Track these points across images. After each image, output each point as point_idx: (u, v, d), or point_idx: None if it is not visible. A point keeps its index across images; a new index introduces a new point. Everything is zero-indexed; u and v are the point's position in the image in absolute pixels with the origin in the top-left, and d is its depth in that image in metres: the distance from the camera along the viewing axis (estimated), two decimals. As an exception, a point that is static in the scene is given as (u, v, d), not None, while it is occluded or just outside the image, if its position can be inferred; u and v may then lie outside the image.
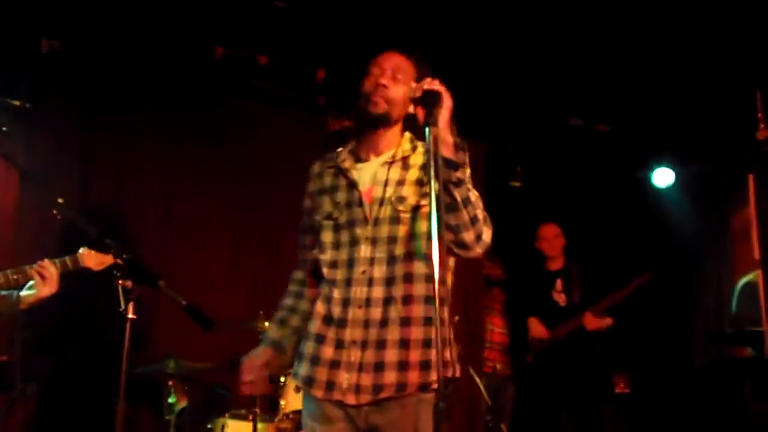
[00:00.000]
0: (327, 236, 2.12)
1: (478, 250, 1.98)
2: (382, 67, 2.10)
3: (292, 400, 3.63)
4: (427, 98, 1.84)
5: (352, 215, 2.08)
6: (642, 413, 5.45)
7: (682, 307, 5.73)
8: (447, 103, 1.85)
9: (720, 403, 4.46)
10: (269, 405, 3.81)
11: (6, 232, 4.05)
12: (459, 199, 1.89)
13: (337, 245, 2.09)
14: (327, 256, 2.10)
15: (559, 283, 4.70)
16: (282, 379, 3.78)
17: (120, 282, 1.48)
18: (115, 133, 4.49)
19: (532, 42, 4.42)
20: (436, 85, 1.86)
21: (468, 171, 1.97)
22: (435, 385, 1.87)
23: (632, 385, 5.11)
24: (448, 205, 1.89)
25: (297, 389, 3.46)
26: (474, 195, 1.96)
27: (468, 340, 5.20)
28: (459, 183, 1.89)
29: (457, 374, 2.05)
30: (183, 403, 3.76)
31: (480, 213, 1.96)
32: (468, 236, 1.93)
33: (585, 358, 4.52)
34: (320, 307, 2.10)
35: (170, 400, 3.64)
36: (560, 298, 4.67)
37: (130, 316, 1.50)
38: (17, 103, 3.93)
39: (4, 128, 1.71)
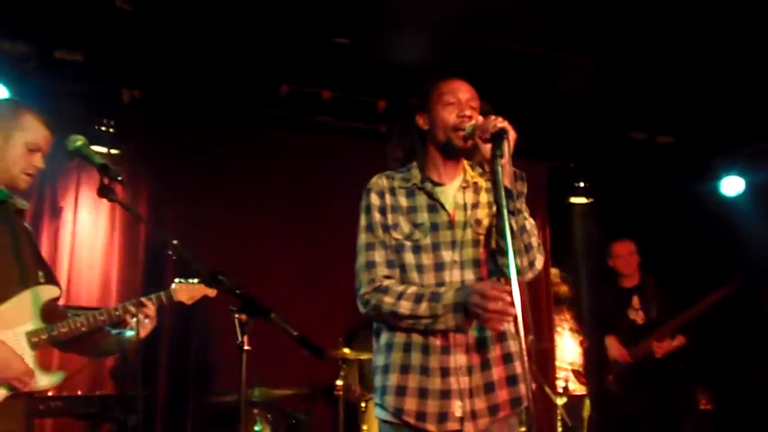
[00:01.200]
0: (409, 258, 2.07)
1: (530, 275, 2.06)
2: (459, 98, 2.13)
3: (375, 427, 3.69)
4: (496, 134, 1.95)
5: (438, 238, 2.08)
6: (726, 429, 5.28)
7: (760, 318, 5.56)
8: (512, 135, 1.95)
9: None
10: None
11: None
12: (515, 226, 1.97)
13: (420, 268, 2.06)
14: (413, 279, 2.05)
15: (636, 301, 4.57)
16: (363, 404, 3.85)
17: (236, 315, 1.58)
18: (187, 174, 4.72)
19: (590, 59, 4.44)
20: (502, 122, 1.96)
21: (523, 200, 2.05)
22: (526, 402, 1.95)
23: (715, 401, 4.95)
24: (502, 232, 1.92)
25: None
26: (530, 223, 2.04)
27: (541, 360, 5.17)
28: (515, 212, 1.98)
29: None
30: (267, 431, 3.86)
31: (534, 240, 2.04)
32: (521, 262, 2.01)
33: (667, 376, 4.40)
34: (415, 336, 2.03)
35: (256, 428, 3.73)
36: (638, 317, 4.53)
37: (246, 347, 1.61)
38: (104, 150, 4.16)
39: (119, 178, 1.85)
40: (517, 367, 2.05)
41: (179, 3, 3.79)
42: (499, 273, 2.10)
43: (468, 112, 2.10)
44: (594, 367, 5.03)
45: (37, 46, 4.00)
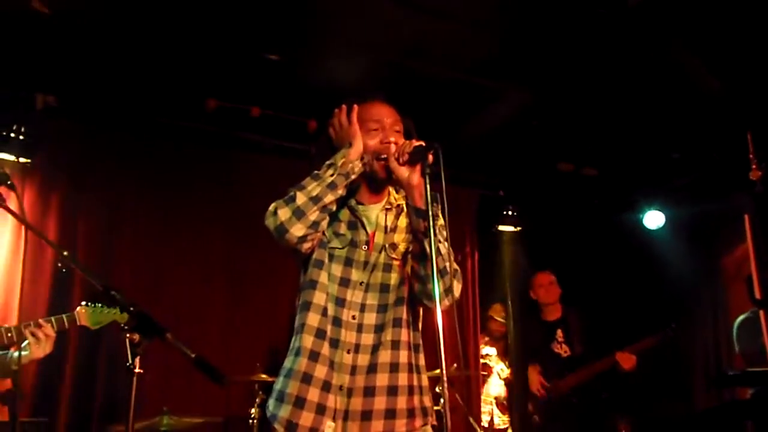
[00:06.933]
0: (324, 257, 2.02)
1: (446, 303, 1.92)
2: (383, 123, 2.08)
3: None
4: (414, 156, 1.92)
5: (352, 255, 2.03)
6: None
7: (678, 349, 5.70)
8: (429, 156, 1.89)
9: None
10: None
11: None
12: (428, 249, 1.88)
13: (328, 275, 2.01)
14: (318, 276, 2.00)
15: (560, 334, 4.60)
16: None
17: (127, 335, 1.44)
18: (105, 187, 4.45)
19: (523, 90, 4.49)
20: (418, 142, 1.93)
21: (440, 222, 1.97)
22: None
23: (635, 431, 5.01)
24: (417, 255, 1.92)
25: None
26: (444, 247, 1.95)
27: (465, 389, 5.12)
28: (427, 233, 1.88)
29: (434, 422, 2.04)
30: (177, 462, 3.63)
31: (449, 266, 1.94)
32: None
33: (590, 404, 4.43)
34: (307, 341, 1.95)
35: (164, 459, 3.51)
36: (562, 350, 4.56)
37: (137, 370, 1.47)
38: (12, 158, 3.89)
39: (9, 182, 1.69)
40: (400, 402, 1.96)
41: (101, 7, 3.62)
42: (409, 301, 2.03)
43: (392, 138, 2.04)
44: (517, 397, 5.00)
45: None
